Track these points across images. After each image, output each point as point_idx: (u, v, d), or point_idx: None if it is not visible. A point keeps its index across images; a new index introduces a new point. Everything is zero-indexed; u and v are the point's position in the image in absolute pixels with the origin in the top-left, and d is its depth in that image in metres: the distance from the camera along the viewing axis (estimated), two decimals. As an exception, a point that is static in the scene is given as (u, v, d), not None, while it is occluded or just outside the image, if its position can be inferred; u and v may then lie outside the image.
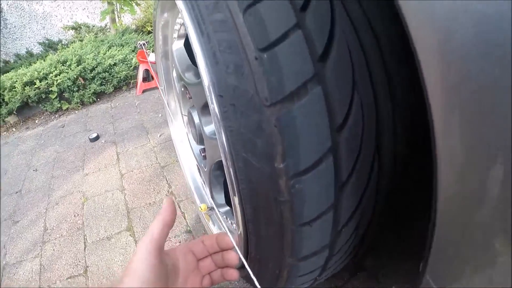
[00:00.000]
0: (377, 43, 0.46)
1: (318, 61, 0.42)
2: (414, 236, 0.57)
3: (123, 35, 3.84)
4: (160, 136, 2.23)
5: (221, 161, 0.54)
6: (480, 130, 0.31)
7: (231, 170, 0.50)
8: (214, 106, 0.47)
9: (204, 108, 0.77)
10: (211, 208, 1.05)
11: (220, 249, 0.59)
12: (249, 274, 0.51)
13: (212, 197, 0.98)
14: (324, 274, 0.66)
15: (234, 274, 0.58)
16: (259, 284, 0.50)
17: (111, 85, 3.13)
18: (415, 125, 0.51)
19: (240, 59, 0.44)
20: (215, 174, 0.91)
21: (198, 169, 1.18)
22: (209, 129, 0.81)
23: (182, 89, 0.94)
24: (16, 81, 2.94)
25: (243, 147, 0.47)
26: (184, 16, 0.50)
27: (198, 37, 0.47)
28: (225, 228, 0.63)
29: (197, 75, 0.84)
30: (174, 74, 1.04)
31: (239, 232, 0.62)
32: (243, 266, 0.55)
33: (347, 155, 0.46)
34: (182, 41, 1.00)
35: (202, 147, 0.97)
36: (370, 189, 0.51)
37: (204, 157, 0.99)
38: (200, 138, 0.87)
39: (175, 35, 1.01)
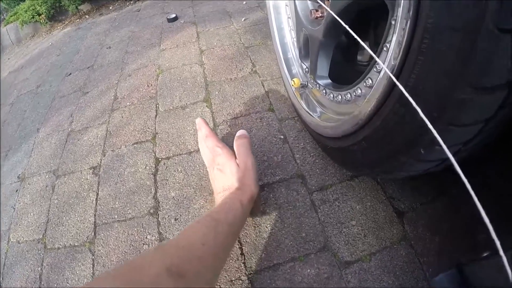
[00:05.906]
0: None
1: None
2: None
3: None
4: (244, 20, 1.85)
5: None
6: None
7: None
8: None
9: None
10: (304, 86, 0.99)
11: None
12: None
13: (315, 69, 0.89)
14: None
15: None
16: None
17: (191, -28, 2.76)
18: None
19: None
20: (327, 37, 0.79)
21: (296, 41, 1.06)
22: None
23: None
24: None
25: None
26: None
27: None
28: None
29: None
30: None
31: (393, 68, 0.49)
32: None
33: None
34: None
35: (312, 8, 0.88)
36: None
37: (316, 18, 0.85)
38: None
39: None
